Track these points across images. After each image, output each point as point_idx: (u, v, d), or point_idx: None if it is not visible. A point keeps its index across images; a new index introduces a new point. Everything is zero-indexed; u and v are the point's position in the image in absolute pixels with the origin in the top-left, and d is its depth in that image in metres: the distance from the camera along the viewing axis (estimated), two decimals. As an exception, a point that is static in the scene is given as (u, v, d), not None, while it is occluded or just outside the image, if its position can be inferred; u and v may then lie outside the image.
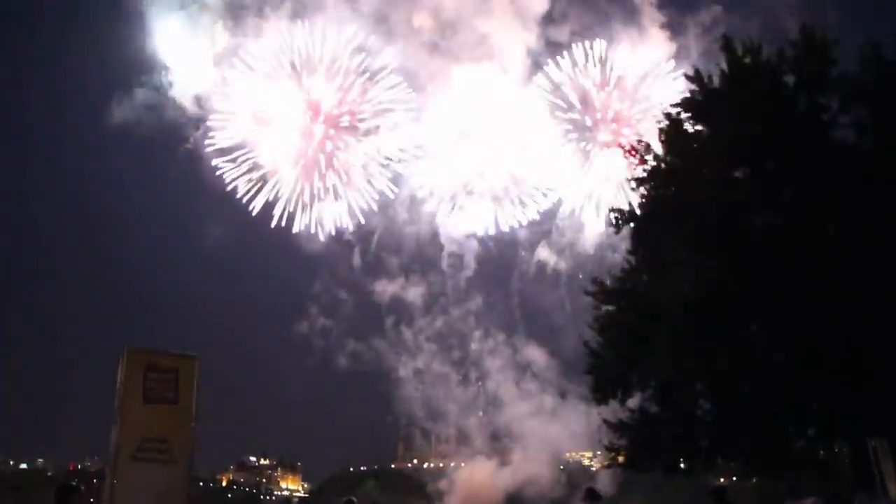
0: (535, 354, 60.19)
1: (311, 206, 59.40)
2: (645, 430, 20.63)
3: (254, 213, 59.92)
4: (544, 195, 59.43)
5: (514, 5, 58.91)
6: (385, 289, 61.06)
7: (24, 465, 79.52)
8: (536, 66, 59.46)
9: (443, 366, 61.31)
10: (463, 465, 59.17)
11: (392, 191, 60.30)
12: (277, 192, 59.11)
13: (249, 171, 58.50)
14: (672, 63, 57.00)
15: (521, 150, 59.66)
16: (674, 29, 58.54)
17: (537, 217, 60.53)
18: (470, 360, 61.46)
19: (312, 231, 59.88)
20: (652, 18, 58.50)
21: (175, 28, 58.03)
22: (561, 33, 60.04)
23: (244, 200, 59.47)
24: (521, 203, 60.00)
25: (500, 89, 59.16)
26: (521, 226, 60.56)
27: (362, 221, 60.44)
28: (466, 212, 60.36)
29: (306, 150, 59.38)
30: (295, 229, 59.62)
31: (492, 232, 60.53)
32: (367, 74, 59.06)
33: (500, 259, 61.77)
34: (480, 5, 59.20)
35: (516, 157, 59.87)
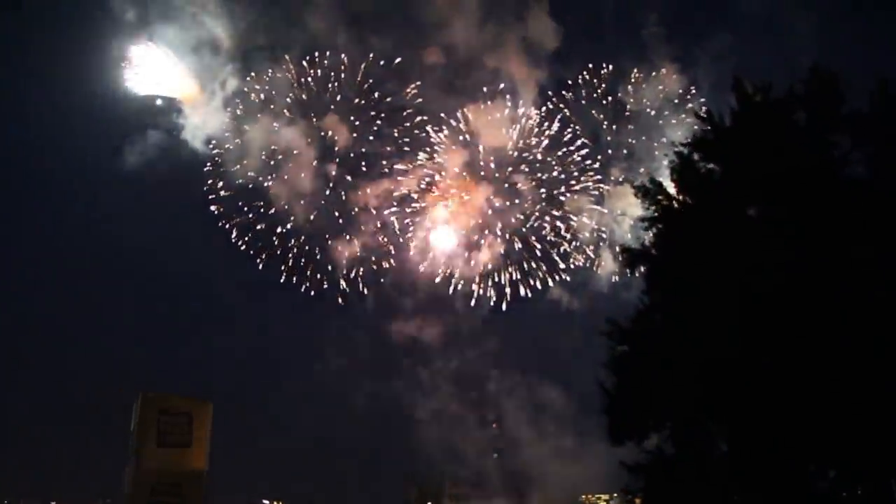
0: (552, 394, 59.71)
1: (326, 248, 59.70)
2: (662, 472, 20.36)
3: (267, 254, 60.18)
4: (560, 235, 59.40)
5: (526, 42, 59.33)
6: (401, 329, 60.87)
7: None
8: (549, 102, 59.76)
9: (460, 407, 60.87)
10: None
11: (405, 230, 60.48)
12: (289, 233, 59.46)
13: (261, 212, 58.93)
14: (684, 94, 57.12)
15: (535, 188, 59.84)
16: (684, 61, 58.78)
17: (555, 258, 60.44)
18: (487, 400, 61.01)
19: (327, 272, 60.01)
20: (661, 53, 58.81)
21: (187, 70, 58.66)
22: (572, 69, 60.38)
23: (257, 243, 59.79)
24: (537, 244, 60.03)
25: (513, 126, 59.48)
26: (536, 268, 60.40)
27: (374, 262, 60.48)
28: (481, 251, 60.38)
29: (320, 191, 59.82)
30: (308, 271, 59.78)
31: (506, 268, 60.34)
32: (380, 113, 59.62)
33: (515, 298, 61.50)
34: (492, 43, 59.63)
35: (530, 195, 59.98)
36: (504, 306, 61.18)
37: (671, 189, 21.41)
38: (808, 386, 18.33)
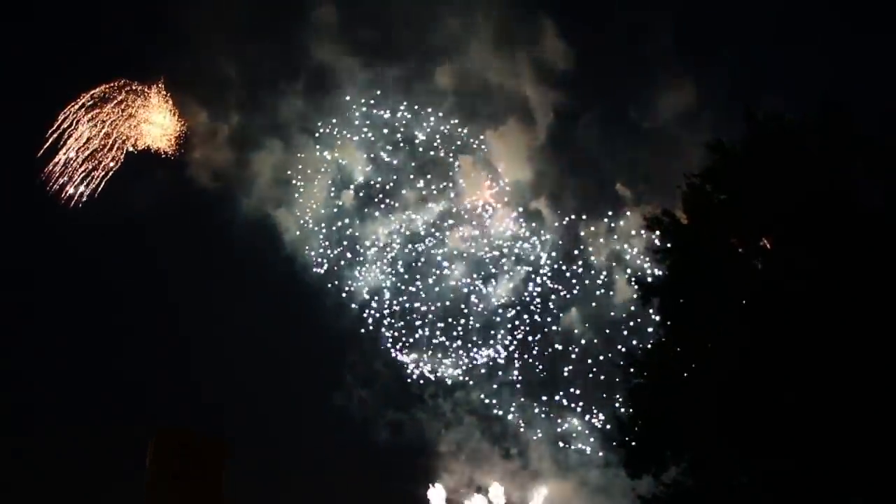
0: (574, 425, 58.89)
1: (341, 277, 59.38)
2: (680, 506, 20.16)
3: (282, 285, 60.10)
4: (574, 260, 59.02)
5: (538, 64, 58.90)
6: (419, 360, 60.14)
7: (51, 549, 78.86)
8: (562, 125, 59.30)
9: (482, 440, 60.10)
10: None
11: (421, 261, 60.08)
12: (305, 261, 59.20)
13: (275, 240, 58.75)
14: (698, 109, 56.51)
15: (553, 210, 59.42)
16: (695, 76, 58.06)
17: (565, 283, 59.91)
18: (509, 432, 60.13)
19: (341, 302, 59.69)
20: (672, 72, 58.10)
21: (193, 105, 58.53)
22: (584, 92, 59.78)
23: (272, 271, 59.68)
24: (551, 267, 59.54)
25: (527, 151, 59.12)
26: (551, 290, 59.83)
27: (389, 294, 60.14)
28: (497, 280, 59.98)
29: (334, 219, 59.60)
30: (325, 301, 59.47)
31: (521, 299, 59.82)
32: (394, 144, 59.61)
33: (532, 328, 60.89)
34: (506, 67, 59.33)
35: (547, 219, 59.64)
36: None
37: (683, 219, 21.42)
38: (831, 416, 18.16)
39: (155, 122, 55.80)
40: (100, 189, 54.44)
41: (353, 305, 59.99)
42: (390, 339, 60.63)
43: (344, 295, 59.93)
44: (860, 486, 18.49)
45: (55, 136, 53.18)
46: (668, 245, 21.56)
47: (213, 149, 58.47)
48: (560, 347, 60.19)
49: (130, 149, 55.03)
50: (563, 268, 59.81)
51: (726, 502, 19.74)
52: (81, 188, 53.87)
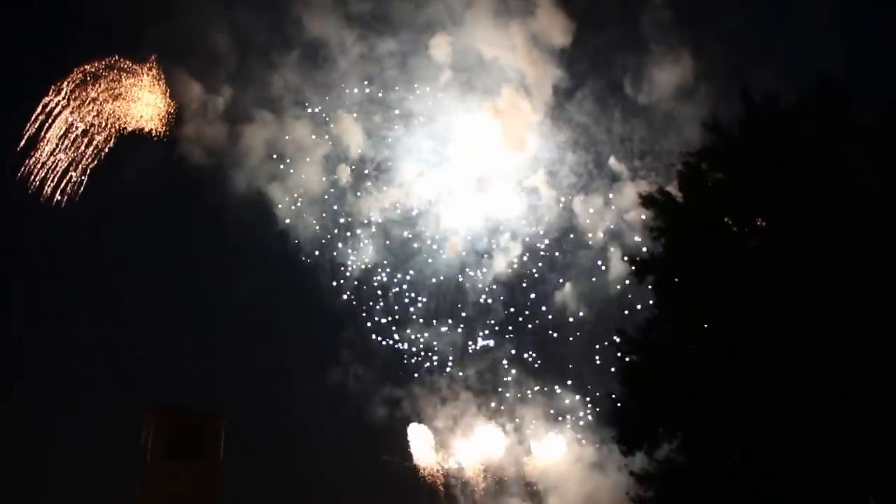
0: (569, 402, 59.06)
1: (335, 253, 59.13)
2: (672, 483, 20.29)
3: (276, 263, 59.87)
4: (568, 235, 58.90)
5: (535, 39, 58.15)
6: (414, 337, 59.94)
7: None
8: (559, 100, 58.88)
9: (478, 415, 60.17)
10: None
11: (418, 236, 59.83)
12: (299, 238, 58.92)
13: (270, 215, 58.34)
14: (694, 87, 56.08)
15: (548, 186, 59.18)
16: (692, 50, 57.55)
17: (560, 259, 59.83)
18: (505, 407, 60.23)
19: (336, 278, 59.50)
20: (667, 44, 57.49)
21: (184, 79, 57.63)
22: (581, 67, 59.24)
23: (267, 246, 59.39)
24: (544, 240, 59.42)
25: (525, 127, 58.61)
26: (546, 268, 59.79)
27: (384, 270, 59.95)
28: (493, 255, 59.83)
29: (328, 196, 59.22)
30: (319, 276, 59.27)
31: (517, 274, 59.73)
32: (389, 117, 59.16)
33: (527, 304, 60.77)
34: (502, 41, 58.54)
35: (543, 195, 59.39)
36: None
37: (678, 197, 21.39)
38: (821, 396, 18.27)
39: (146, 101, 55.01)
40: (90, 170, 53.75)
41: (348, 282, 59.90)
42: (386, 316, 60.58)
43: (339, 271, 59.75)
44: (848, 463, 18.66)
45: (42, 116, 52.38)
46: (663, 223, 21.54)
47: (205, 124, 57.71)
48: (554, 324, 60.31)
49: (121, 129, 54.32)
50: (559, 244, 59.78)
51: (718, 479, 19.87)
52: (73, 171, 53.14)
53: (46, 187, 52.24)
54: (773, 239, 19.73)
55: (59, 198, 52.33)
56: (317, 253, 59.47)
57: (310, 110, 59.11)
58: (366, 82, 58.72)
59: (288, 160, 59.10)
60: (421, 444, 59.83)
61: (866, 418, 17.53)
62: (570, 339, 59.38)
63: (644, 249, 23.49)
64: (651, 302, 21.79)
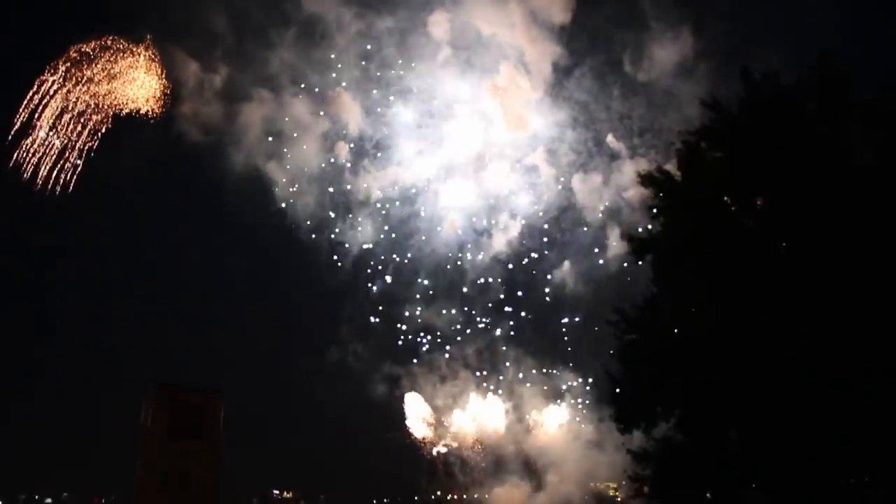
0: (567, 381, 59.24)
1: (334, 231, 59.05)
2: (669, 460, 20.38)
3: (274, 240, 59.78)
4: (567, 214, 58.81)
5: (534, 16, 57.62)
6: (413, 315, 59.89)
7: (49, 500, 79.71)
8: (558, 78, 58.52)
9: (477, 393, 60.30)
10: (496, 490, 58.10)
11: (416, 215, 59.69)
12: (296, 214, 58.87)
13: (267, 194, 58.22)
14: (694, 64, 55.73)
15: (548, 164, 58.96)
16: (691, 27, 57.03)
17: (558, 237, 59.77)
18: (504, 386, 60.35)
19: (336, 256, 59.45)
20: (667, 21, 57.00)
21: (181, 58, 57.18)
22: (580, 44, 58.72)
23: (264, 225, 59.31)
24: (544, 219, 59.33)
25: (524, 105, 58.24)
26: (543, 246, 59.75)
27: (383, 248, 59.87)
28: (492, 234, 59.72)
29: (326, 173, 59.04)
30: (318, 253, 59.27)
31: (516, 253, 59.70)
32: (388, 94, 58.93)
33: (526, 282, 60.80)
34: (501, 18, 58.01)
35: (543, 174, 59.20)
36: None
37: (677, 176, 21.32)
38: (817, 375, 18.32)
39: (142, 81, 54.56)
40: (87, 150, 53.39)
41: (347, 260, 59.88)
42: (385, 294, 60.59)
43: (337, 249, 59.70)
44: (843, 441, 18.74)
45: (38, 97, 51.91)
46: (662, 202, 21.48)
47: (202, 103, 57.48)
48: (553, 302, 60.37)
49: (118, 109, 53.89)
50: (558, 222, 59.70)
51: (714, 457, 19.96)
52: (69, 152, 52.73)
53: (42, 169, 52.10)
54: (771, 217, 19.68)
55: (55, 179, 52.26)
56: (315, 231, 59.46)
57: (308, 88, 58.86)
58: (364, 60, 58.45)
59: (286, 138, 58.95)
60: (417, 413, 60.11)
61: (861, 396, 17.58)
62: (569, 317, 59.52)
63: (640, 230, 23.42)
64: (649, 279, 21.72)
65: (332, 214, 59.46)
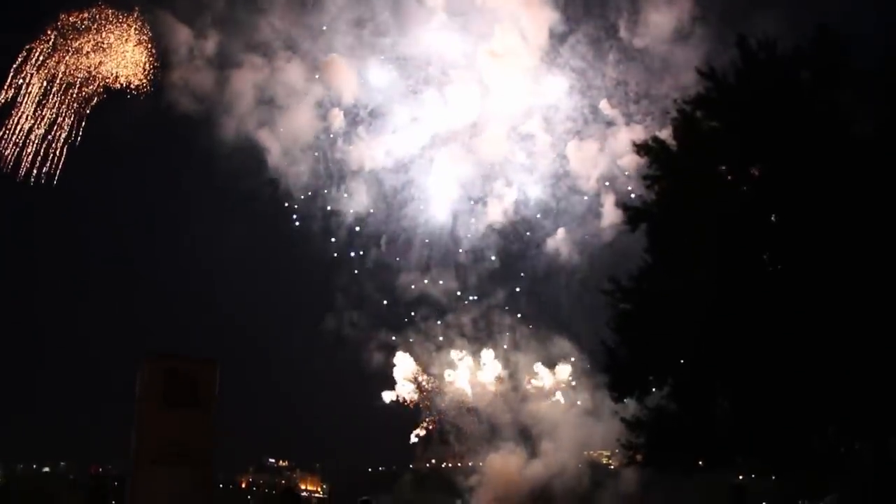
0: (563, 349, 59.34)
1: (327, 200, 58.73)
2: (662, 428, 20.58)
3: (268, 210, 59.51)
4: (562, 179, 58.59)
5: None
6: (408, 284, 59.84)
7: (46, 469, 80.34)
8: (553, 44, 57.88)
9: (473, 359, 60.44)
10: (491, 455, 58.48)
11: (411, 183, 59.36)
12: (288, 185, 58.44)
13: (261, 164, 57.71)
14: (691, 30, 55.09)
15: (543, 131, 58.62)
16: None
17: (553, 205, 59.60)
18: (499, 353, 60.46)
19: (330, 224, 59.21)
20: None
21: (170, 23, 56.08)
22: (575, 9, 57.86)
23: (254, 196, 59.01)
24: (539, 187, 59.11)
25: (520, 71, 57.68)
26: (539, 215, 59.62)
27: (378, 216, 59.65)
28: (487, 202, 59.53)
29: (320, 143, 58.59)
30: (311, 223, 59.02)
31: (511, 221, 59.58)
32: (381, 62, 58.28)
33: (521, 251, 60.71)
34: None
35: (538, 140, 58.85)
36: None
37: (672, 145, 21.31)
38: (809, 343, 18.44)
39: (130, 52, 53.80)
40: (76, 121, 52.73)
41: (341, 229, 59.72)
42: (380, 263, 60.57)
43: (331, 219, 59.49)
44: (836, 413, 18.92)
45: (24, 71, 51.27)
46: (657, 171, 21.49)
47: (192, 70, 56.59)
48: (548, 271, 60.47)
49: (106, 80, 53.15)
50: (552, 190, 59.56)
51: (706, 426, 20.16)
52: (60, 125, 52.14)
53: (30, 145, 51.68)
54: (768, 188, 19.68)
55: (44, 153, 51.81)
56: (308, 200, 59.09)
57: (300, 55, 58.20)
58: (357, 26, 57.79)
59: (278, 106, 58.29)
60: (406, 372, 60.45)
61: (855, 365, 17.71)
62: (564, 285, 59.65)
63: (633, 196, 23.45)
64: (644, 248, 21.75)
65: (326, 182, 59.06)
